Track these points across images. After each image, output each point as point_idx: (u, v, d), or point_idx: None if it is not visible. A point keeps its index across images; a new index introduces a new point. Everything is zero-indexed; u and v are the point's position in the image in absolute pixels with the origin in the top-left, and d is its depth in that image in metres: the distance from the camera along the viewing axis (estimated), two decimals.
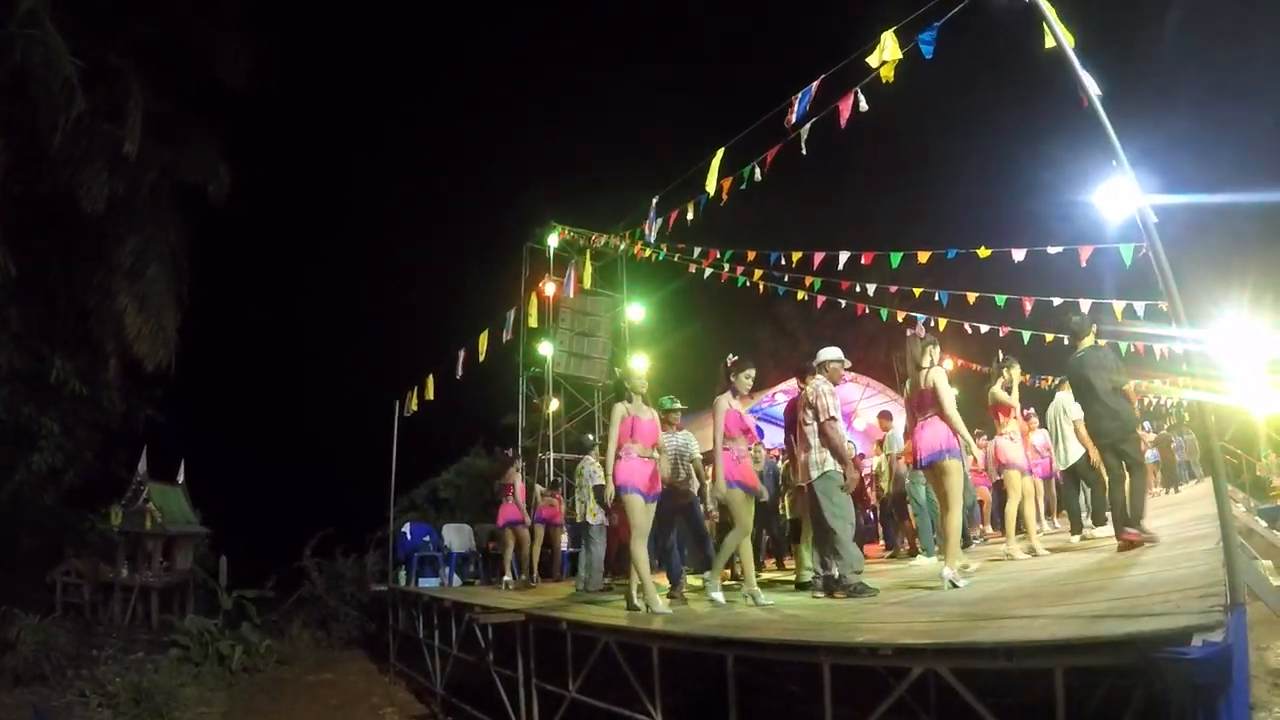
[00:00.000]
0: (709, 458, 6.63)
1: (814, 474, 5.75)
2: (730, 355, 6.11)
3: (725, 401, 5.93)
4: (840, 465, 5.65)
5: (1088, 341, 6.33)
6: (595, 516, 9.01)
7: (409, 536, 12.64)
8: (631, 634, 4.94)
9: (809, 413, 5.87)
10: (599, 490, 9.06)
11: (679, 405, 7.01)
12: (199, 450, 16.89)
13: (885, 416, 9.89)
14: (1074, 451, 7.67)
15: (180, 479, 15.83)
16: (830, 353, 6.13)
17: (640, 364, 5.56)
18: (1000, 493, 8.13)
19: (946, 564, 5.17)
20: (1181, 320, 3.29)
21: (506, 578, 10.35)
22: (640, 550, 5.71)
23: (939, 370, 5.85)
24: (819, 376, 6.03)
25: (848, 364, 6.20)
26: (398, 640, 11.15)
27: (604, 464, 5.89)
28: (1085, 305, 10.19)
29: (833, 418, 5.72)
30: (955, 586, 4.93)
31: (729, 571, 7.10)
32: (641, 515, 5.68)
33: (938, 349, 6.03)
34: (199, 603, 14.00)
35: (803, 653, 3.60)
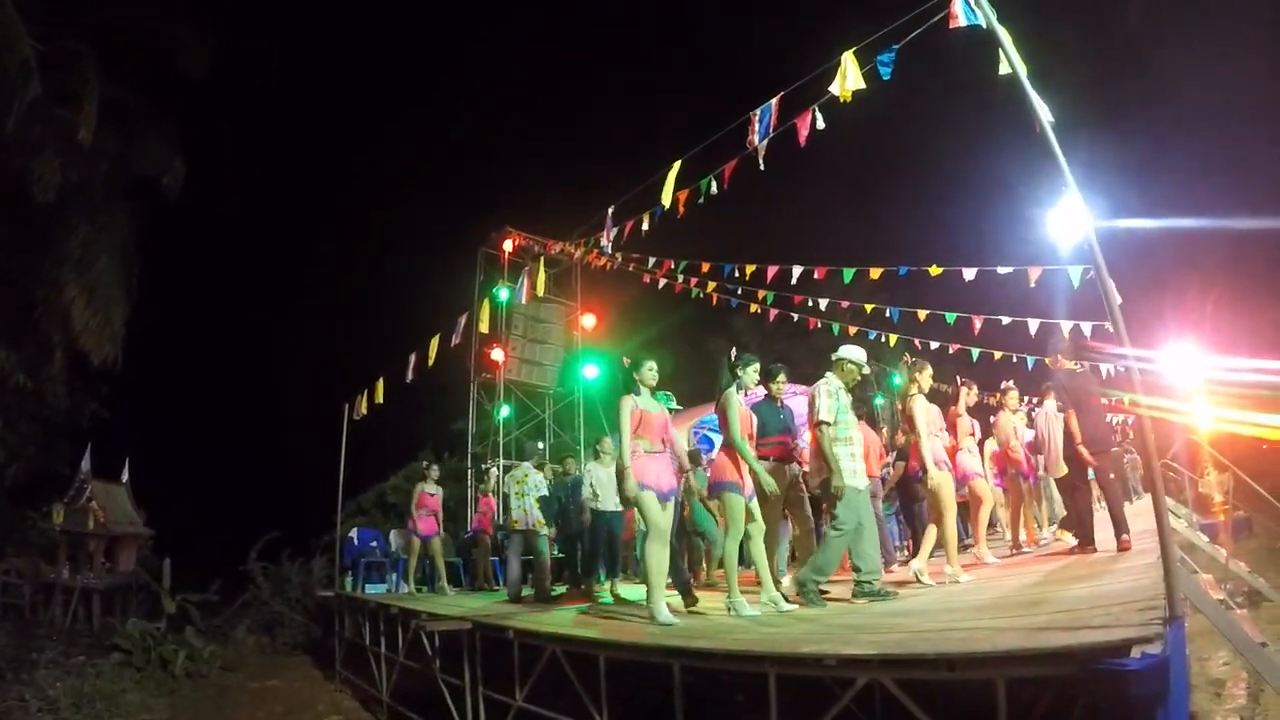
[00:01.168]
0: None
1: (813, 480, 5.76)
2: (732, 350, 6.06)
3: (736, 396, 5.68)
4: (828, 472, 5.42)
5: (1071, 362, 6.59)
6: (541, 526, 8.93)
7: (356, 542, 12.48)
8: (578, 643, 4.89)
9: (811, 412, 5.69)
10: (544, 501, 9.03)
11: (674, 405, 6.81)
12: (144, 449, 16.53)
13: None
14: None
15: (124, 478, 15.43)
16: (850, 351, 5.84)
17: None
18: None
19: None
20: (1124, 341, 3.35)
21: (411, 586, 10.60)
22: (657, 553, 5.23)
23: (918, 399, 6.12)
24: (829, 374, 5.80)
25: (866, 369, 5.96)
26: (344, 647, 10.95)
27: (620, 461, 5.32)
28: (1033, 325, 10.40)
29: (824, 421, 5.47)
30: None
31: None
32: (658, 515, 5.23)
33: (923, 373, 6.32)
34: (141, 606, 13.66)
35: (748, 662, 3.58)
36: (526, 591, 8.92)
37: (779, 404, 6.53)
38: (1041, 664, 2.72)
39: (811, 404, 5.64)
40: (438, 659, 7.03)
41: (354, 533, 12.74)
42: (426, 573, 11.18)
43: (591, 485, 8.32)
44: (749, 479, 5.48)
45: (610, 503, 8.16)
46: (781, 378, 6.52)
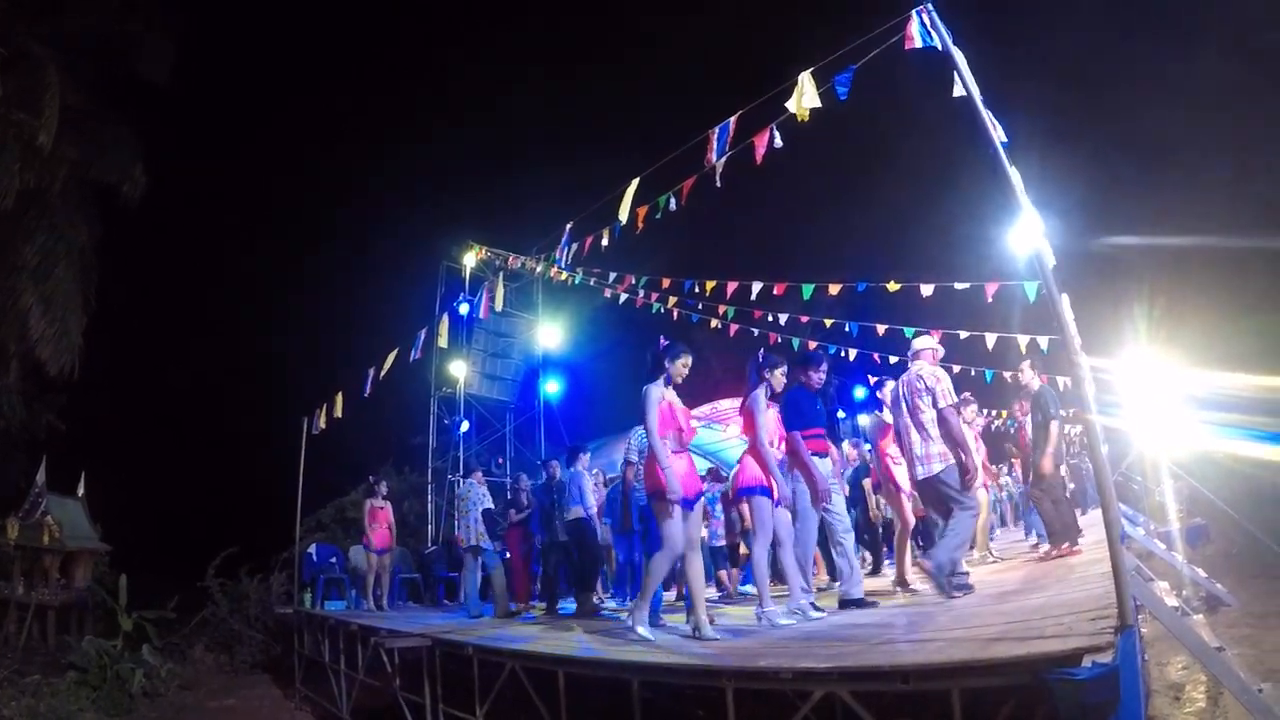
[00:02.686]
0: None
1: (936, 467, 5.49)
2: (760, 350, 5.98)
3: (764, 399, 5.54)
4: (963, 455, 5.33)
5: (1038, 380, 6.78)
6: (484, 540, 8.88)
7: (315, 558, 12.34)
8: (537, 659, 4.84)
9: (926, 399, 5.58)
10: (487, 515, 8.97)
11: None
12: (100, 462, 16.14)
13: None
14: None
15: (80, 491, 15.06)
16: (926, 340, 5.99)
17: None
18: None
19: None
20: (1074, 354, 3.40)
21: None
22: (660, 566, 4.86)
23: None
24: (919, 363, 5.83)
25: (940, 351, 6.04)
26: (303, 665, 10.75)
27: (658, 459, 4.81)
28: (990, 339, 10.55)
29: (953, 405, 5.45)
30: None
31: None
32: (678, 525, 4.74)
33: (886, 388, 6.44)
34: (98, 623, 13.32)
35: (705, 677, 3.56)
36: (480, 610, 8.86)
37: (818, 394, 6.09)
38: (994, 674, 2.75)
39: (917, 392, 5.71)
40: (398, 676, 6.93)
41: (313, 549, 12.58)
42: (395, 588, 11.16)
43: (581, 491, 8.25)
44: (779, 483, 5.36)
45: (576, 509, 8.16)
46: (824, 366, 6.06)
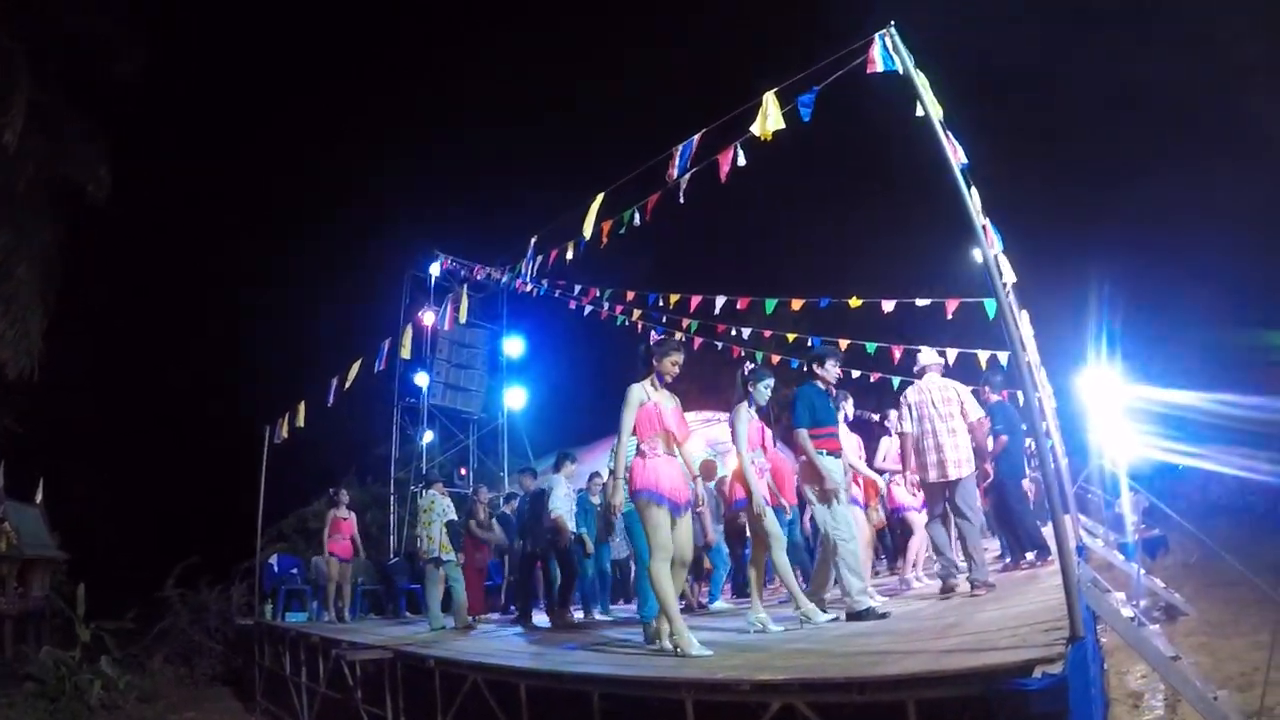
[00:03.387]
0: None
1: (966, 470, 5.94)
2: (747, 364, 5.95)
3: (745, 411, 5.56)
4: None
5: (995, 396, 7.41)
6: (447, 551, 8.80)
7: (276, 569, 12.19)
8: (498, 671, 4.82)
9: (957, 408, 6.07)
10: (451, 525, 8.91)
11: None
12: (59, 468, 15.80)
13: None
14: None
15: (38, 498, 14.74)
16: (931, 354, 6.58)
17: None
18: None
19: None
20: (1023, 368, 3.47)
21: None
22: (663, 574, 4.44)
23: None
24: (932, 375, 6.36)
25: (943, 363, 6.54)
26: (264, 677, 10.58)
27: (614, 458, 4.70)
28: (952, 354, 10.67)
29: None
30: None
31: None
32: (666, 533, 4.44)
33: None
34: (55, 633, 13.00)
35: (665, 689, 3.58)
36: (443, 623, 8.78)
37: (831, 392, 5.98)
38: (948, 686, 2.78)
39: (942, 401, 6.11)
40: (359, 689, 6.84)
41: (274, 559, 12.44)
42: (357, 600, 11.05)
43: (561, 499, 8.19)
44: (768, 489, 5.45)
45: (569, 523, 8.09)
46: (830, 363, 5.90)
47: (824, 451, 5.45)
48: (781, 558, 5.34)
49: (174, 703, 11.20)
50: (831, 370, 5.82)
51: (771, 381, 5.72)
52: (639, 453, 4.61)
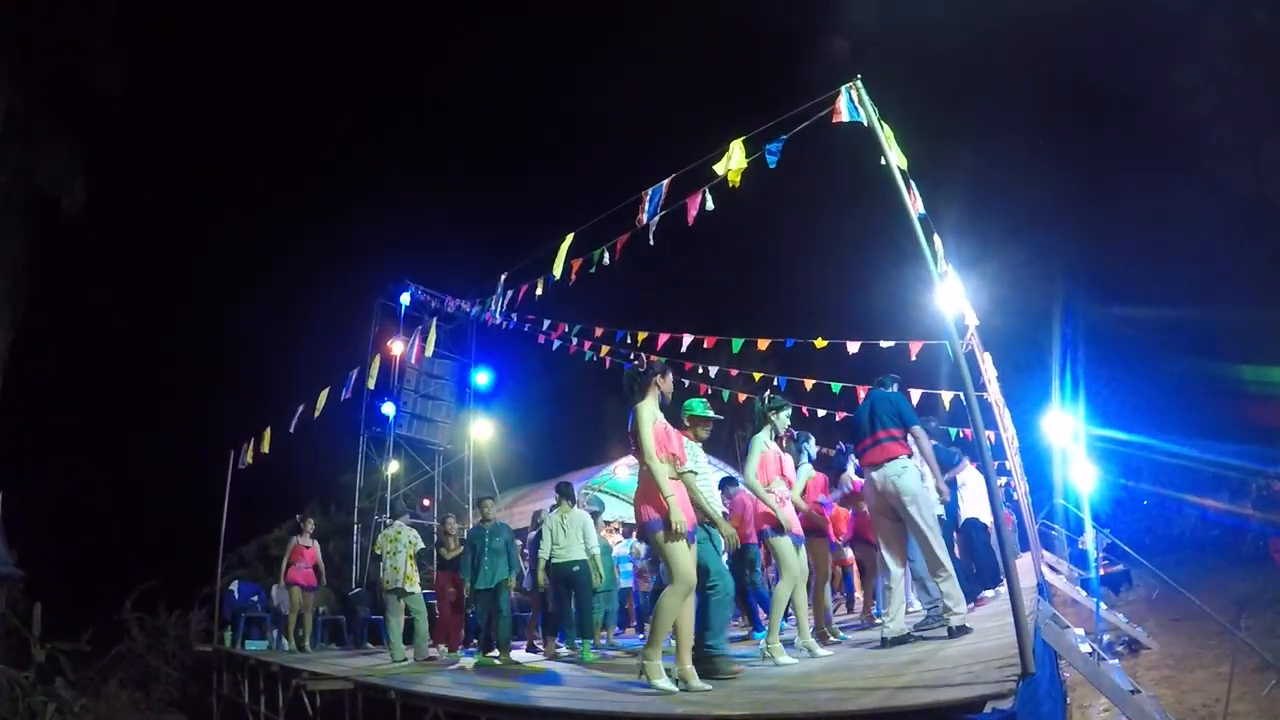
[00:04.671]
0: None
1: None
2: (766, 393, 5.93)
3: (761, 440, 5.49)
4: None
5: None
6: (412, 583, 8.78)
7: (236, 595, 11.97)
8: (460, 704, 4.77)
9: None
10: (419, 556, 8.88)
11: (711, 413, 5.33)
12: (18, 484, 15.43)
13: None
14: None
15: None
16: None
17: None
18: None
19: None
20: (974, 412, 3.55)
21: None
22: (677, 605, 4.22)
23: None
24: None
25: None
26: (222, 705, 10.42)
27: (657, 486, 4.30)
28: (915, 395, 10.83)
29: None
30: None
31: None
32: (690, 563, 4.24)
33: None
34: (9, 652, 12.61)
35: None
36: (405, 654, 8.66)
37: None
38: None
39: None
40: None
41: (235, 586, 12.20)
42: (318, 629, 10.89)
43: (551, 536, 7.91)
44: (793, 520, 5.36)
45: (577, 551, 7.80)
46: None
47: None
48: (786, 590, 5.27)
49: None
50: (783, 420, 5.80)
51: (790, 410, 5.74)
52: None
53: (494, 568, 7.74)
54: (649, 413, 4.42)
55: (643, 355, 12.06)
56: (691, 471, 4.65)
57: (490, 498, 9.49)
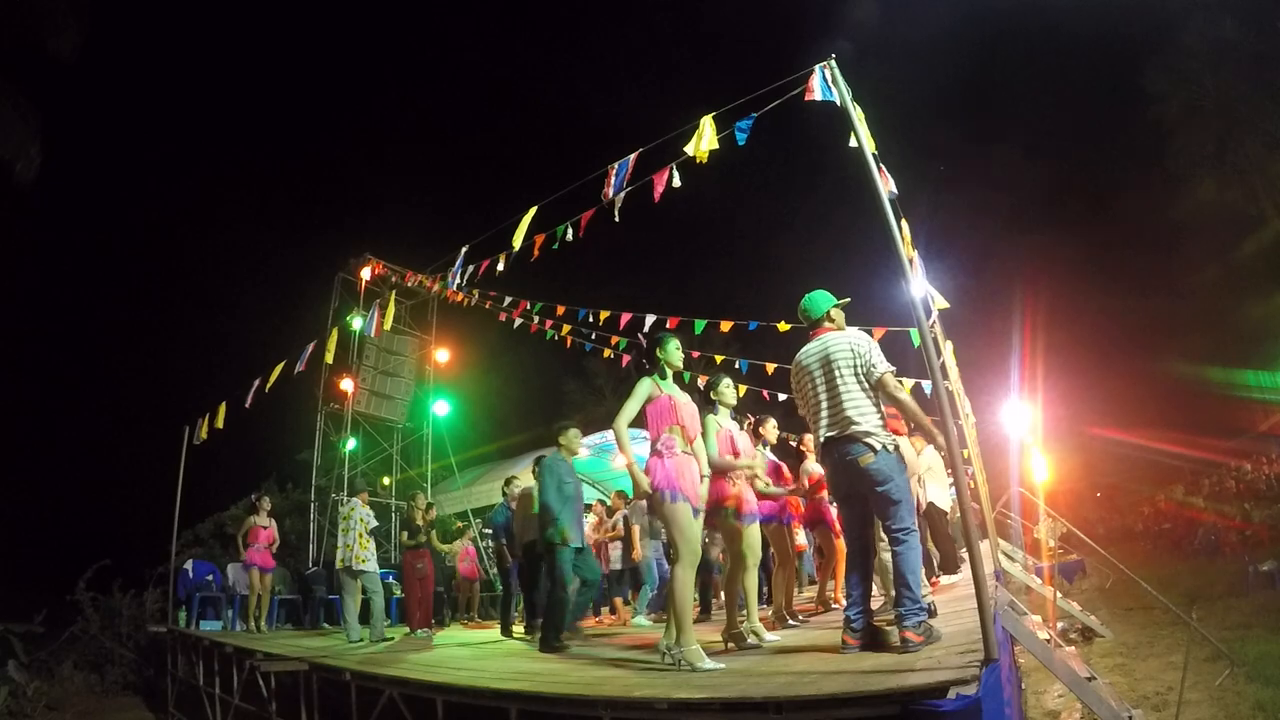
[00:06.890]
0: None
1: None
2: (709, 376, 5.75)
3: (713, 421, 5.22)
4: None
5: None
6: (364, 563, 8.64)
7: (191, 575, 11.79)
8: (414, 686, 4.71)
9: None
10: (374, 533, 8.77)
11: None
12: None
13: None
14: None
15: None
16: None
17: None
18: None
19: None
20: (941, 399, 3.54)
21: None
22: (687, 582, 4.21)
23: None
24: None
25: None
26: (177, 687, 10.20)
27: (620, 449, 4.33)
28: None
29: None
30: None
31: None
32: (694, 531, 4.22)
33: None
34: None
35: (582, 707, 3.53)
36: (364, 633, 8.59)
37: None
38: (865, 706, 2.80)
39: None
40: (274, 701, 6.61)
41: (189, 565, 12.03)
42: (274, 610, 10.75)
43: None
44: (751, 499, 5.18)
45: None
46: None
47: None
48: (753, 577, 5.20)
49: (82, 711, 10.75)
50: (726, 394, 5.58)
51: (729, 382, 5.52)
52: (655, 451, 4.37)
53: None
54: (646, 387, 4.46)
55: (605, 335, 12.04)
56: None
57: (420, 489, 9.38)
